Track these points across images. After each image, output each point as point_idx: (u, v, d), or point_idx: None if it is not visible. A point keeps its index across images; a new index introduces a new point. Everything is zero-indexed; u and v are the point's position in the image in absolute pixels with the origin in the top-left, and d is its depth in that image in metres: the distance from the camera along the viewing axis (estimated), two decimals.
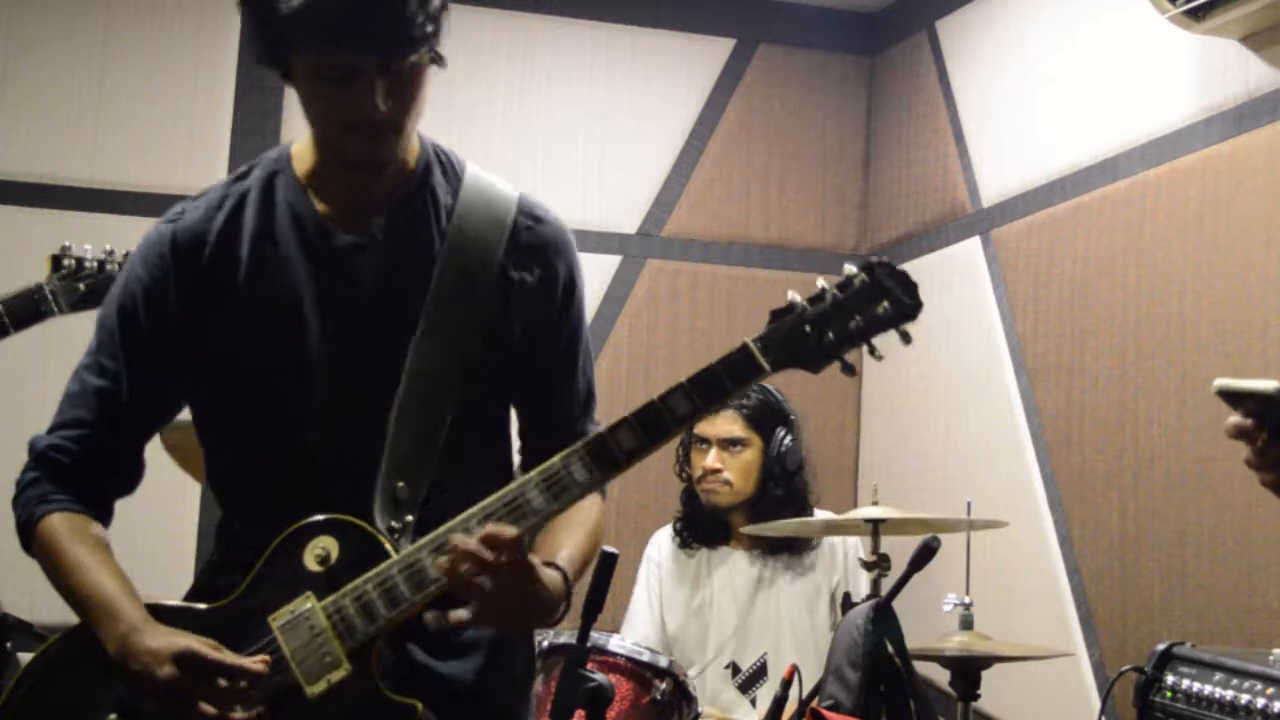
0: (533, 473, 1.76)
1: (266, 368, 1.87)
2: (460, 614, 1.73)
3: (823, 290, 1.73)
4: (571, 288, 1.97)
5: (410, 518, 1.82)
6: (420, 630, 1.82)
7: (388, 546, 1.79)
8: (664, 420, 1.74)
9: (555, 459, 1.76)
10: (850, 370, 1.73)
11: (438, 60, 1.83)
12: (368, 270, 1.88)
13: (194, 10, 4.91)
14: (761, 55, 5.33)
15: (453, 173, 1.95)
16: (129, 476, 1.97)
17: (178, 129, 4.84)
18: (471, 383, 1.88)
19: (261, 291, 1.88)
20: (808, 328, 1.71)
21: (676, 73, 5.25)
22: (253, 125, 4.88)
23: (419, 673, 1.86)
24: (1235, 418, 1.71)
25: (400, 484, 1.83)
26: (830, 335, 1.71)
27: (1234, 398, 1.71)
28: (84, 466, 1.90)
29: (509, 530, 1.70)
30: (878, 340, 1.72)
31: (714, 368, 1.73)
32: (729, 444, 3.78)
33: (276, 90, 4.90)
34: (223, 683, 1.73)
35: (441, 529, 1.76)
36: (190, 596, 1.92)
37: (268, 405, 1.88)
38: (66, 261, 2.82)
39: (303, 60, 1.79)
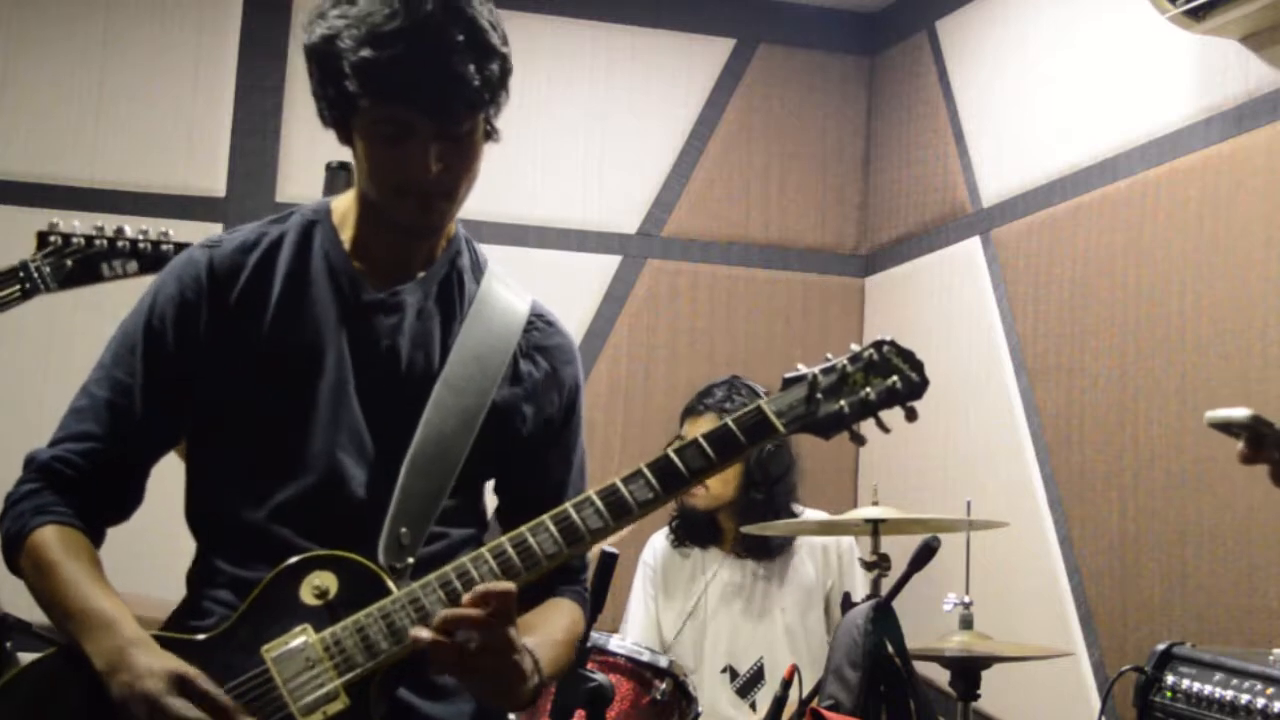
0: (544, 517, 1.78)
1: (281, 409, 1.87)
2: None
3: (833, 363, 1.83)
4: (575, 396, 2.03)
5: (411, 560, 1.83)
6: (410, 671, 1.81)
7: (389, 583, 1.79)
8: (679, 473, 1.79)
9: (568, 505, 1.78)
10: (861, 440, 1.84)
11: (492, 133, 1.87)
12: (392, 331, 1.91)
13: (194, 10, 4.91)
14: (761, 55, 5.33)
15: (477, 264, 2.01)
16: (129, 501, 1.93)
17: (178, 129, 4.84)
18: (470, 458, 1.91)
19: (286, 333, 1.88)
20: (819, 396, 1.82)
21: (676, 73, 5.25)
22: (253, 125, 4.89)
23: (405, 713, 1.84)
24: (1240, 445, 1.91)
25: (404, 530, 1.84)
26: (842, 405, 1.83)
27: (1224, 427, 1.91)
28: (89, 482, 1.86)
29: (507, 585, 1.70)
30: (886, 415, 1.84)
31: (726, 424, 1.80)
32: None
33: (276, 90, 4.91)
34: (206, 716, 1.68)
35: (449, 568, 1.76)
36: (170, 627, 1.88)
37: (277, 447, 1.87)
38: (53, 238, 2.69)
39: (361, 116, 1.80)
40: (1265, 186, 3.41)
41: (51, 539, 1.82)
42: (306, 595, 1.79)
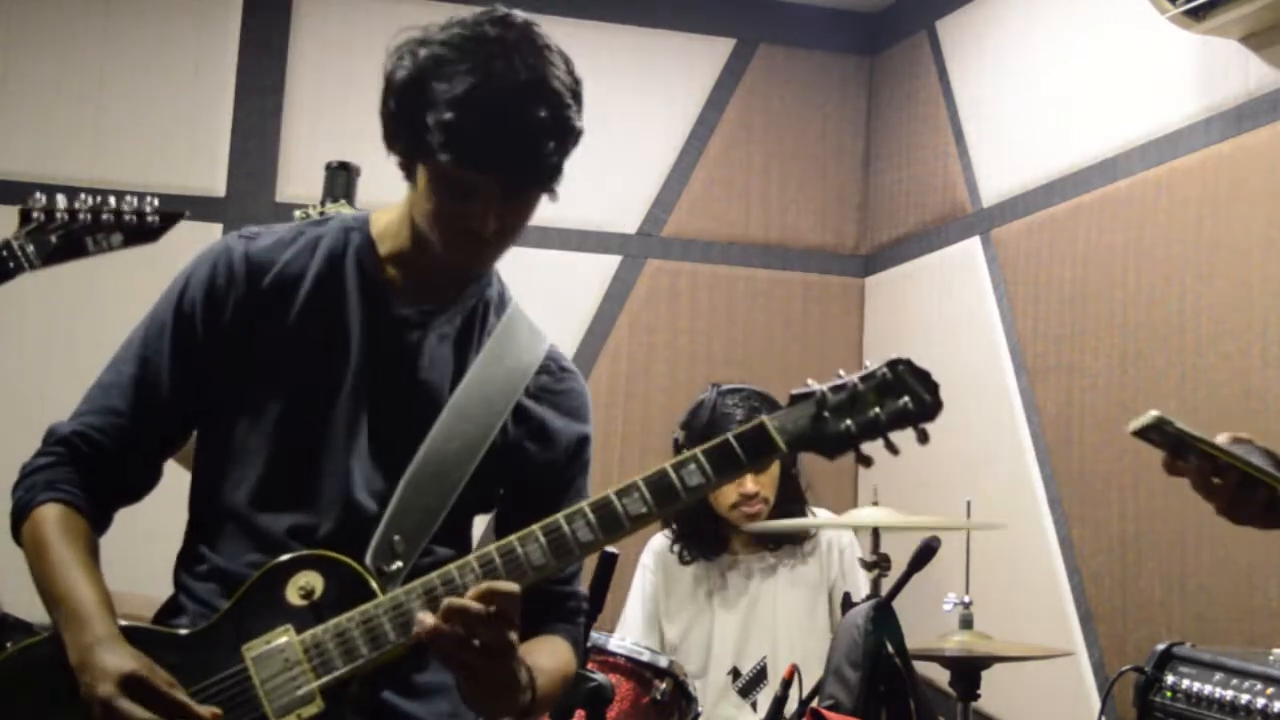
0: (534, 527, 1.76)
1: (296, 406, 1.88)
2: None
3: (844, 381, 1.76)
4: (581, 446, 2.02)
5: (400, 564, 1.82)
6: (391, 674, 1.81)
7: (374, 586, 1.78)
8: (674, 489, 1.75)
9: (559, 515, 1.76)
10: (867, 462, 1.77)
11: (552, 193, 1.88)
12: (414, 348, 1.92)
13: (194, 10, 4.91)
14: (761, 55, 5.33)
15: (503, 299, 2.03)
16: (146, 480, 1.94)
17: (178, 129, 4.84)
18: (474, 481, 1.91)
19: (311, 332, 1.89)
20: (826, 414, 1.75)
21: (676, 73, 5.25)
22: (253, 125, 4.89)
23: (385, 712, 1.84)
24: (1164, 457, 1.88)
25: (397, 538, 1.84)
26: (849, 424, 1.76)
27: (1141, 435, 1.89)
28: (107, 458, 1.88)
29: (511, 586, 1.69)
30: (895, 436, 1.76)
31: (727, 439, 1.75)
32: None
33: (276, 90, 4.91)
34: (163, 717, 1.68)
35: (433, 575, 1.75)
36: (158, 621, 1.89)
37: (286, 443, 1.88)
38: (35, 214, 2.60)
39: (433, 165, 1.80)
40: (1265, 186, 3.41)
41: (51, 518, 1.83)
42: (292, 595, 1.79)
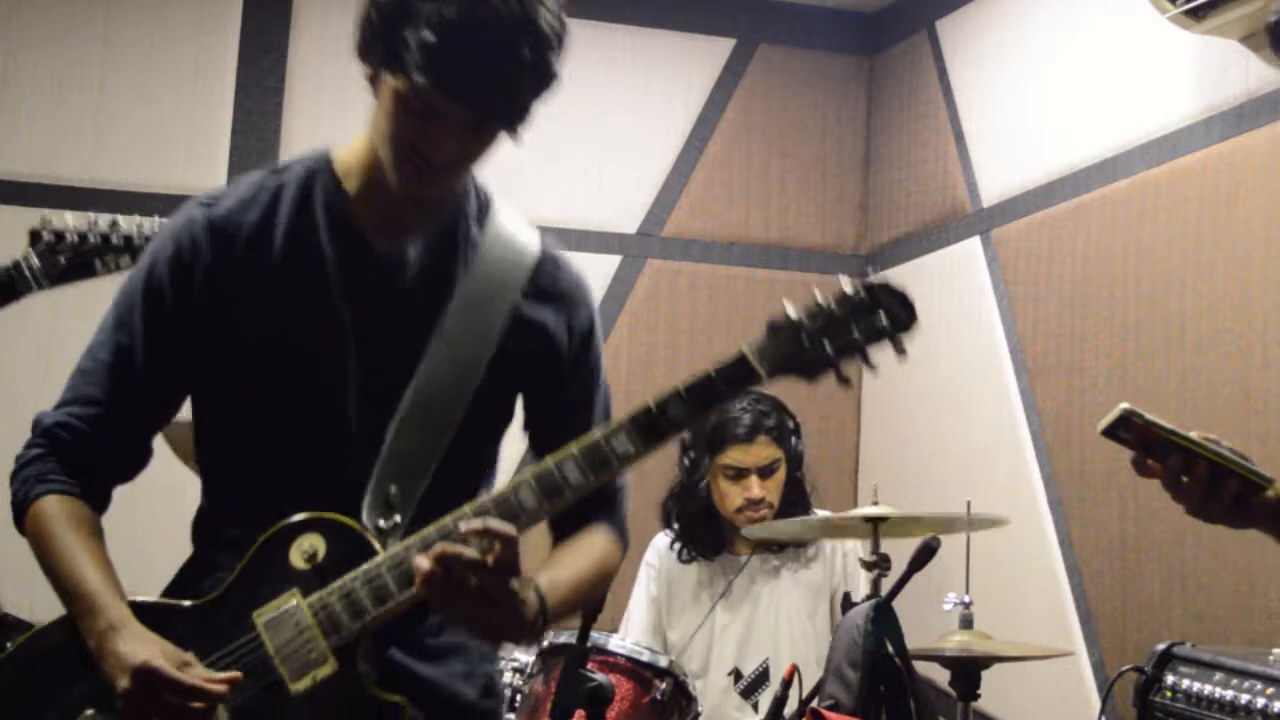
0: (525, 472, 1.77)
1: (280, 364, 1.87)
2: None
3: (820, 302, 1.75)
4: (588, 338, 2.01)
5: (399, 519, 1.83)
6: (401, 632, 1.83)
7: (375, 544, 1.79)
8: (659, 425, 1.75)
9: (549, 460, 1.77)
10: (847, 382, 1.76)
11: (514, 134, 1.84)
12: (394, 284, 1.90)
13: (194, 10, 4.91)
14: (761, 55, 5.33)
15: (483, 209, 1.98)
16: (134, 461, 1.95)
17: (178, 129, 4.84)
18: (474, 410, 1.90)
19: (287, 292, 1.88)
20: (804, 337, 1.74)
21: (676, 73, 5.25)
22: (253, 125, 4.89)
23: (399, 674, 1.86)
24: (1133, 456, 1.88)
25: (393, 488, 1.84)
26: (827, 345, 1.74)
27: (1110, 434, 1.87)
28: (90, 446, 1.89)
29: (507, 526, 1.70)
30: (874, 352, 1.76)
31: (709, 374, 1.75)
32: (769, 470, 3.74)
33: (276, 90, 4.91)
34: (178, 701, 1.72)
35: (430, 527, 1.76)
36: (168, 594, 1.91)
37: (275, 401, 1.88)
38: (45, 235, 2.67)
39: (400, 80, 1.76)
40: (1265, 186, 3.41)
41: (50, 511, 1.86)
42: (296, 559, 1.81)
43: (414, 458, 1.86)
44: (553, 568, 1.87)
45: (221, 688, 1.73)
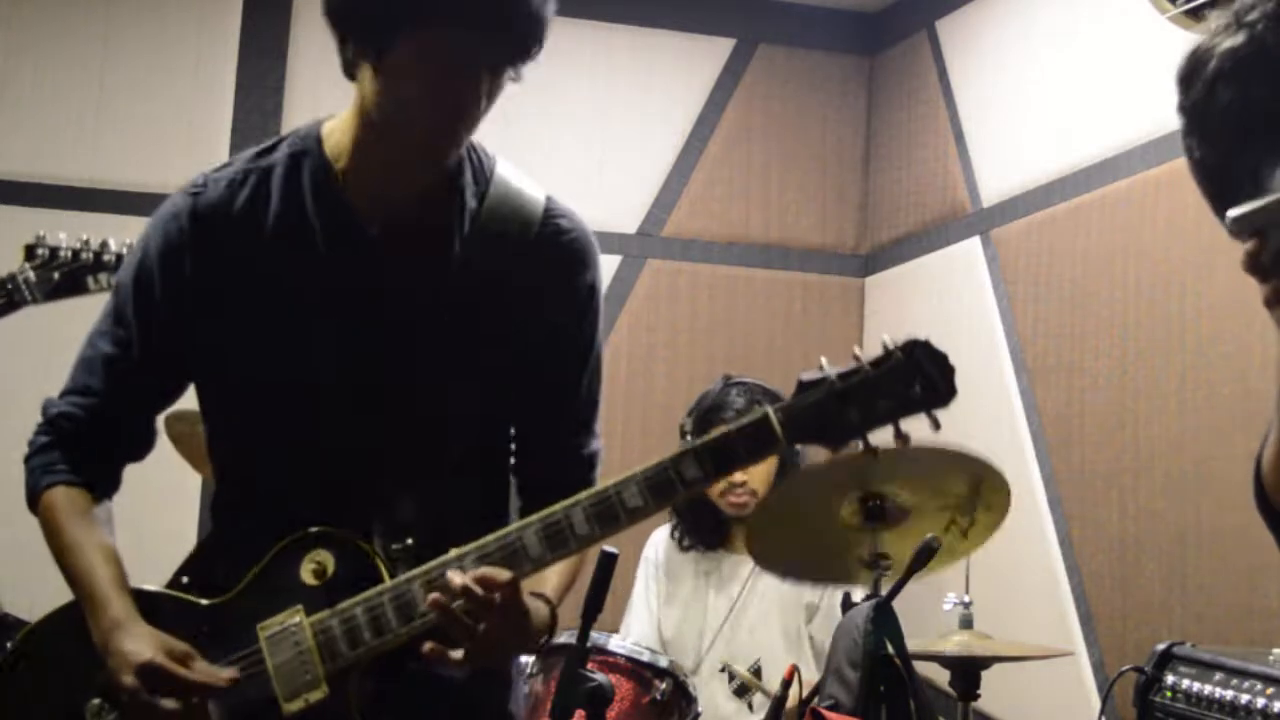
0: (533, 517, 1.73)
1: (277, 353, 1.86)
2: (458, 655, 1.70)
3: (856, 366, 1.65)
4: (590, 299, 1.96)
5: (410, 540, 1.81)
6: (400, 663, 1.81)
7: (383, 571, 1.78)
8: (673, 484, 1.69)
9: (557, 507, 1.72)
10: (873, 452, 1.65)
11: (517, 74, 1.81)
12: (389, 266, 1.86)
13: (194, 10, 4.91)
14: (761, 55, 5.33)
15: (482, 173, 1.91)
16: (139, 445, 1.96)
17: (177, 128, 4.84)
18: (479, 393, 1.88)
19: (282, 276, 1.86)
20: (833, 403, 1.64)
21: (676, 73, 5.25)
22: (253, 125, 4.88)
23: (394, 705, 1.84)
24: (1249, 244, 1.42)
25: (403, 499, 1.83)
26: (855, 413, 1.64)
27: (1242, 224, 1.40)
28: (90, 435, 1.91)
29: (504, 574, 1.69)
30: (906, 425, 1.65)
31: (728, 433, 1.68)
32: None
33: (276, 90, 4.91)
34: (179, 701, 1.73)
35: (434, 562, 1.74)
36: (186, 569, 1.92)
37: (274, 392, 1.87)
38: (40, 251, 2.78)
39: (420, 41, 1.72)
40: None
41: (56, 503, 1.89)
42: (305, 573, 1.81)
43: (418, 454, 1.84)
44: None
45: (221, 682, 1.75)
